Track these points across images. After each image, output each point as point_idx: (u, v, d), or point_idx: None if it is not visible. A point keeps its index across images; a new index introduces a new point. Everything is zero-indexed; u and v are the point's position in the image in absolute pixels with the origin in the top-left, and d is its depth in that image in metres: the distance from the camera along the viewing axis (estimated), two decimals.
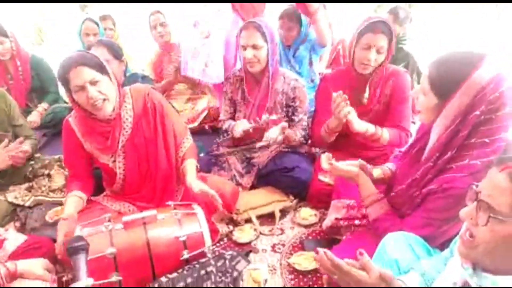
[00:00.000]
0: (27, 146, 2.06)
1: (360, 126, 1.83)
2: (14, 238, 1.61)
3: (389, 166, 1.62)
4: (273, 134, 2.04)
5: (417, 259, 1.19)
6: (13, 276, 1.34)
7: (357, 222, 1.63)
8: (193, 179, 1.69)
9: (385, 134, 1.86)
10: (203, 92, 3.21)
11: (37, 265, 1.43)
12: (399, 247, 1.22)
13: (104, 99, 1.56)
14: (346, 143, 2.03)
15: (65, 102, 3.17)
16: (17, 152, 1.99)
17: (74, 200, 1.66)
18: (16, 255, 1.52)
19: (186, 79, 3.09)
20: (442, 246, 1.22)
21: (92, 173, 1.80)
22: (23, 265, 1.40)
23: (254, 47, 2.02)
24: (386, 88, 1.93)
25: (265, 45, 2.03)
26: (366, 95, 1.95)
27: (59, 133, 2.57)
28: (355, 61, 1.89)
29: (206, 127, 3.03)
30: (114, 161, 1.71)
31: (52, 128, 2.82)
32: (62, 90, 3.38)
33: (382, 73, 1.92)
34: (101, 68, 1.57)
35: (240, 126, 2.09)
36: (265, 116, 2.06)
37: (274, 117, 2.07)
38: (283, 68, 2.26)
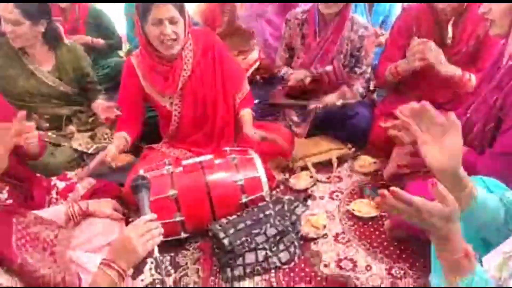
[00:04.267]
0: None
1: (447, 69, 1.66)
2: (86, 181, 1.70)
3: None
4: (331, 99, 1.96)
5: None
6: (85, 214, 1.44)
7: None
8: (251, 130, 1.69)
9: (473, 78, 1.68)
10: (255, 44, 3.11)
11: (106, 205, 1.51)
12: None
13: (175, 39, 1.57)
14: (412, 86, 1.87)
15: (120, 57, 3.24)
16: (111, 115, 1.98)
17: (118, 139, 1.71)
18: (86, 197, 1.61)
19: (238, 32, 3.01)
20: None
21: (142, 117, 1.83)
22: (94, 205, 1.48)
23: None
24: (479, 28, 1.69)
25: None
26: (450, 35, 1.73)
27: (116, 87, 2.66)
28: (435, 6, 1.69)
29: (258, 77, 2.96)
30: (172, 103, 1.73)
31: (109, 82, 2.89)
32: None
33: (471, 10, 1.68)
34: (182, 9, 1.58)
35: (297, 76, 2.00)
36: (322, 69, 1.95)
37: (329, 68, 1.94)
38: (351, 12, 2.04)
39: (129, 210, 1.71)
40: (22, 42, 1.97)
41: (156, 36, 1.56)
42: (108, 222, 1.47)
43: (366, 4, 2.54)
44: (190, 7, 3.33)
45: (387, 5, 2.55)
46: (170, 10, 1.53)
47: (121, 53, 3.39)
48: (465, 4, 1.66)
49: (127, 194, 1.60)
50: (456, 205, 0.78)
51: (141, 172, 1.55)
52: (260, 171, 1.58)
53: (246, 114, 1.77)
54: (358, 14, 2.47)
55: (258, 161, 1.61)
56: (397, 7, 2.61)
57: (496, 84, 1.24)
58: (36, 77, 2.08)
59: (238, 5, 2.88)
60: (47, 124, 2.18)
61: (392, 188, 0.80)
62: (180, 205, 1.48)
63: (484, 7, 1.25)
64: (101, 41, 2.98)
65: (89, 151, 2.13)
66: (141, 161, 1.81)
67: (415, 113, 0.86)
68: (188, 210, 1.49)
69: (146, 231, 1.03)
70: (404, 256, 1.43)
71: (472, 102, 1.38)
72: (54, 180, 1.68)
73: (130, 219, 1.66)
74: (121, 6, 3.44)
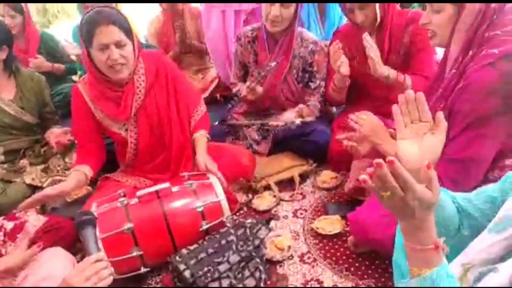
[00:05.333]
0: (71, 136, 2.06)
1: (383, 68, 1.70)
2: (35, 220, 1.59)
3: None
4: (289, 117, 1.96)
5: None
6: None
7: None
8: (200, 154, 1.65)
9: (408, 79, 1.73)
10: (210, 61, 3.11)
11: (14, 257, 1.31)
12: None
13: (123, 64, 1.50)
14: (365, 98, 1.90)
15: (74, 82, 3.13)
16: (64, 139, 2.03)
17: (77, 175, 1.59)
18: (37, 237, 1.51)
19: (194, 50, 2.99)
20: None
21: (102, 145, 1.74)
22: None
23: (283, 4, 1.84)
24: (404, 36, 1.77)
25: (294, 4, 1.87)
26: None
27: (70, 114, 2.56)
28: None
29: (218, 96, 2.94)
30: (126, 130, 1.66)
31: (63, 109, 2.78)
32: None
33: (387, 24, 1.76)
34: (128, 31, 1.50)
35: (248, 85, 1.99)
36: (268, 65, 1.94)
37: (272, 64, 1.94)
38: (300, 28, 2.09)
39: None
40: None
41: (103, 61, 1.47)
42: (53, 263, 1.35)
43: (318, 16, 2.58)
44: (143, 30, 3.30)
45: (337, 16, 2.60)
46: (115, 33, 1.45)
47: (75, 77, 3.28)
48: (379, 16, 1.73)
49: None
50: (438, 195, 0.74)
51: (94, 206, 1.48)
52: (220, 195, 1.54)
53: (200, 137, 1.72)
54: (312, 26, 2.52)
55: (217, 185, 1.57)
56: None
57: (441, 93, 1.27)
58: None
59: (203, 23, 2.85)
60: (2, 157, 2.05)
61: (391, 158, 0.71)
62: (137, 239, 1.41)
63: (424, 18, 1.29)
64: (62, 66, 2.88)
65: (44, 185, 2.01)
66: (96, 192, 1.72)
67: (406, 101, 0.83)
68: (146, 243, 1.42)
69: (93, 274, 0.96)
70: (369, 272, 1.43)
71: None
72: (1, 220, 1.56)
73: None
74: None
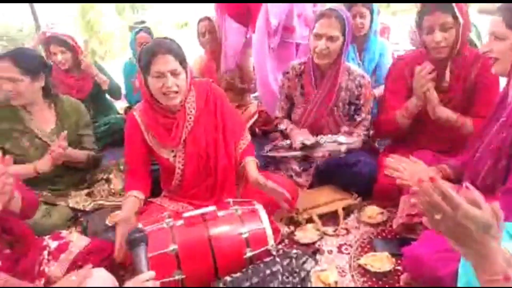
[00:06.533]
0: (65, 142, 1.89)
1: (442, 110, 1.68)
2: (78, 241, 1.60)
3: (449, 163, 1.49)
4: (333, 146, 1.94)
5: None
6: None
7: None
8: (257, 174, 1.65)
9: (469, 122, 1.68)
10: (251, 99, 3.19)
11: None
12: None
13: (177, 91, 1.56)
14: (418, 133, 1.85)
15: (118, 113, 3.25)
16: (57, 148, 1.86)
17: (132, 200, 1.64)
18: (80, 257, 1.51)
19: (235, 88, 3.08)
20: None
21: (150, 172, 1.78)
22: None
23: (330, 38, 1.89)
24: (471, 72, 1.73)
25: (341, 38, 1.90)
26: (447, 78, 1.76)
27: (115, 143, 2.61)
28: (427, 48, 1.74)
29: (257, 130, 2.97)
30: (175, 155, 1.69)
31: (109, 138, 2.87)
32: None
33: (464, 54, 1.73)
34: (183, 61, 1.59)
35: (301, 138, 1.99)
36: (328, 137, 1.97)
37: (342, 138, 1.95)
38: (348, 62, 2.12)
39: (124, 271, 1.60)
40: (23, 99, 1.93)
41: (158, 88, 1.55)
42: (96, 283, 1.33)
43: (357, 53, 2.61)
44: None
45: (377, 52, 2.62)
46: (171, 62, 1.53)
47: (120, 110, 3.42)
48: (459, 45, 1.69)
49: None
50: (494, 218, 0.72)
51: (139, 225, 1.47)
52: (265, 223, 1.50)
53: (251, 161, 1.73)
54: (350, 62, 2.54)
55: (262, 213, 1.54)
56: (388, 54, 2.68)
57: (504, 121, 1.25)
58: (39, 137, 2.00)
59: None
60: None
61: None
62: (181, 262, 1.38)
63: (484, 47, 1.29)
64: (107, 80, 2.94)
65: (86, 209, 2.05)
66: (139, 216, 1.72)
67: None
68: (189, 267, 1.38)
69: None
70: None
71: (479, 145, 1.37)
72: (46, 239, 1.57)
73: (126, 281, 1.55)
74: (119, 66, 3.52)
